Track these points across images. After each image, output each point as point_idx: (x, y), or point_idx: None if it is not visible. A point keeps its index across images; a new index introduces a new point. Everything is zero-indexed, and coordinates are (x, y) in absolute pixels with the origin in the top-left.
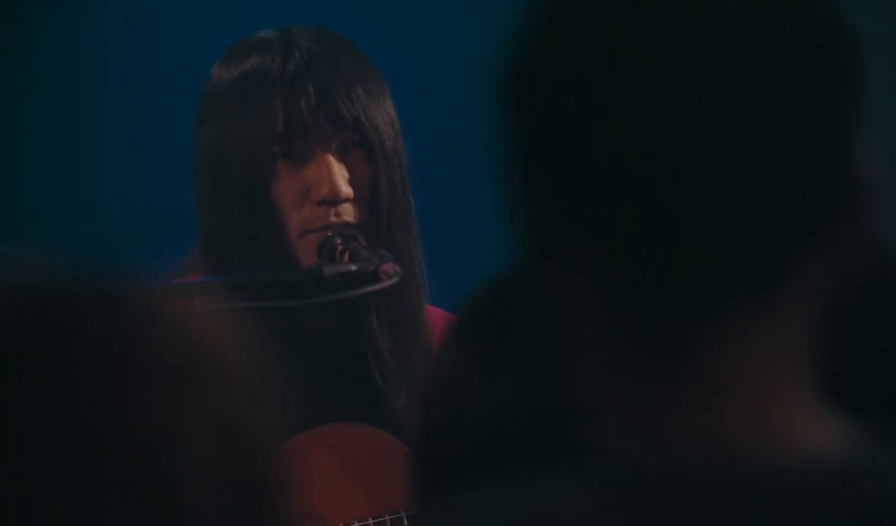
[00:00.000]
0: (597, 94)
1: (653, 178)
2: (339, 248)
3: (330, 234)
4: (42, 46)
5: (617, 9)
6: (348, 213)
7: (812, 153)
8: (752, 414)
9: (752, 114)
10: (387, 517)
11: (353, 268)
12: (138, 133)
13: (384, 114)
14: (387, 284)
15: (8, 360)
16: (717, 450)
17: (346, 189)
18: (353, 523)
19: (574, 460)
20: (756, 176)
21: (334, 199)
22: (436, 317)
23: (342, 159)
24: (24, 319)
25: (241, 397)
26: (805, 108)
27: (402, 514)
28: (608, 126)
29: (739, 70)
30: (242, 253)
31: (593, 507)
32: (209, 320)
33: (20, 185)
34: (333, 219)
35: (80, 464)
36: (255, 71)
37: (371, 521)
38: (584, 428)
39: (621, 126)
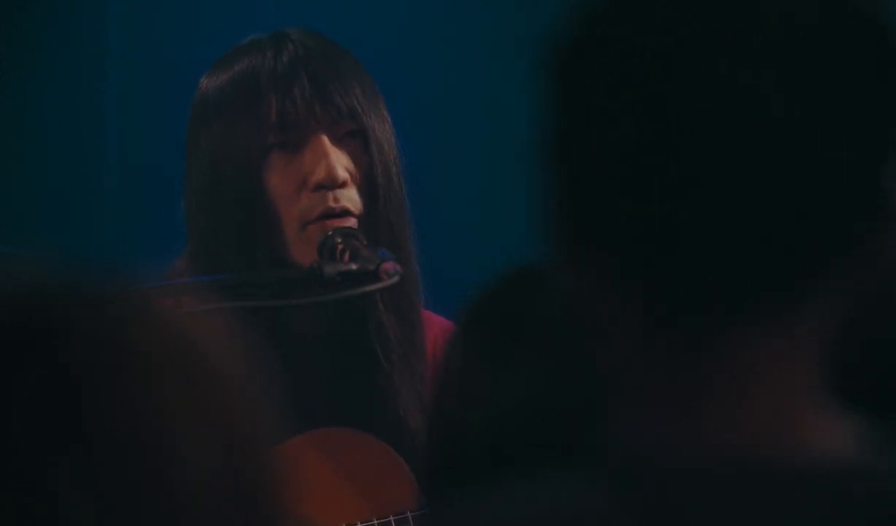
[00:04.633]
0: (645, 86)
1: (694, 176)
2: (340, 247)
3: (330, 233)
4: (41, 46)
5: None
6: (347, 198)
7: (850, 169)
8: (769, 415)
9: (799, 122)
10: (391, 519)
11: (354, 267)
12: (137, 133)
13: (378, 109)
14: (387, 282)
15: None
16: (733, 449)
17: (342, 173)
18: (357, 525)
19: (583, 459)
20: (795, 185)
21: (331, 183)
22: (434, 323)
23: (338, 147)
24: (11, 319)
25: (232, 398)
26: (847, 120)
27: (408, 514)
28: (653, 119)
29: (784, 78)
30: (240, 253)
31: (606, 505)
32: (201, 320)
33: (19, 185)
34: (332, 204)
35: (69, 464)
36: (247, 69)
37: (376, 521)
38: (601, 425)
39: (665, 121)
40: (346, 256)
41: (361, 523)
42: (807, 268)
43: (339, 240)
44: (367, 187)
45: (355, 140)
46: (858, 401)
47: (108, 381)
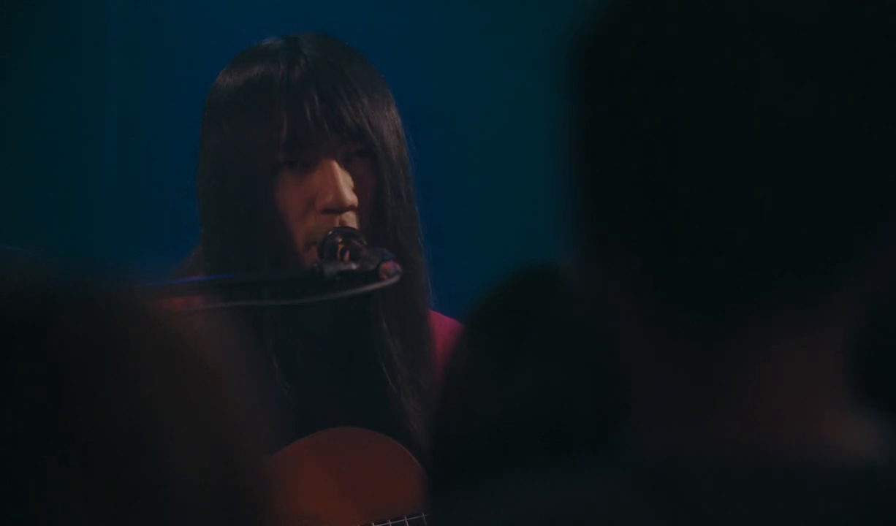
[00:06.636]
0: (666, 83)
1: (716, 176)
2: (340, 246)
3: (330, 233)
4: (42, 46)
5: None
6: (352, 221)
7: (870, 168)
8: (789, 415)
9: (823, 115)
10: (405, 519)
11: (354, 266)
12: (137, 133)
13: (389, 122)
14: (387, 282)
15: None
16: (753, 449)
17: (350, 197)
18: (370, 525)
19: (599, 459)
20: (818, 181)
21: (339, 208)
22: (441, 324)
23: (347, 168)
24: (10, 317)
25: (231, 399)
26: (877, 110)
27: (423, 515)
28: (675, 116)
29: (809, 72)
30: (246, 262)
31: (625, 506)
32: (198, 320)
33: (19, 185)
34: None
35: (66, 463)
36: (260, 78)
37: (390, 522)
38: (619, 423)
39: (687, 116)
40: (347, 256)
41: (376, 524)
42: (827, 268)
43: (340, 239)
44: (375, 208)
45: (364, 159)
46: (879, 401)
47: (106, 380)
